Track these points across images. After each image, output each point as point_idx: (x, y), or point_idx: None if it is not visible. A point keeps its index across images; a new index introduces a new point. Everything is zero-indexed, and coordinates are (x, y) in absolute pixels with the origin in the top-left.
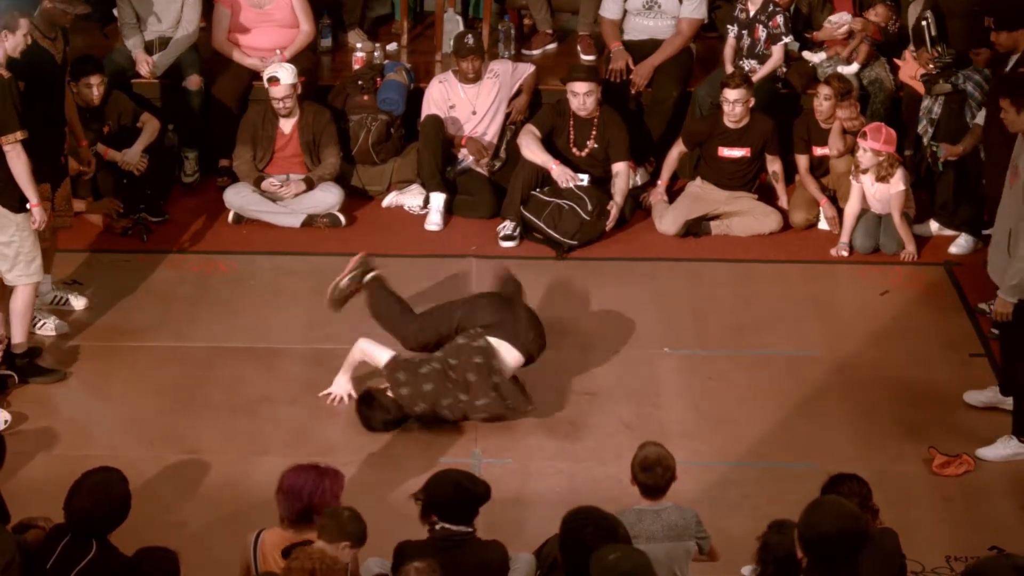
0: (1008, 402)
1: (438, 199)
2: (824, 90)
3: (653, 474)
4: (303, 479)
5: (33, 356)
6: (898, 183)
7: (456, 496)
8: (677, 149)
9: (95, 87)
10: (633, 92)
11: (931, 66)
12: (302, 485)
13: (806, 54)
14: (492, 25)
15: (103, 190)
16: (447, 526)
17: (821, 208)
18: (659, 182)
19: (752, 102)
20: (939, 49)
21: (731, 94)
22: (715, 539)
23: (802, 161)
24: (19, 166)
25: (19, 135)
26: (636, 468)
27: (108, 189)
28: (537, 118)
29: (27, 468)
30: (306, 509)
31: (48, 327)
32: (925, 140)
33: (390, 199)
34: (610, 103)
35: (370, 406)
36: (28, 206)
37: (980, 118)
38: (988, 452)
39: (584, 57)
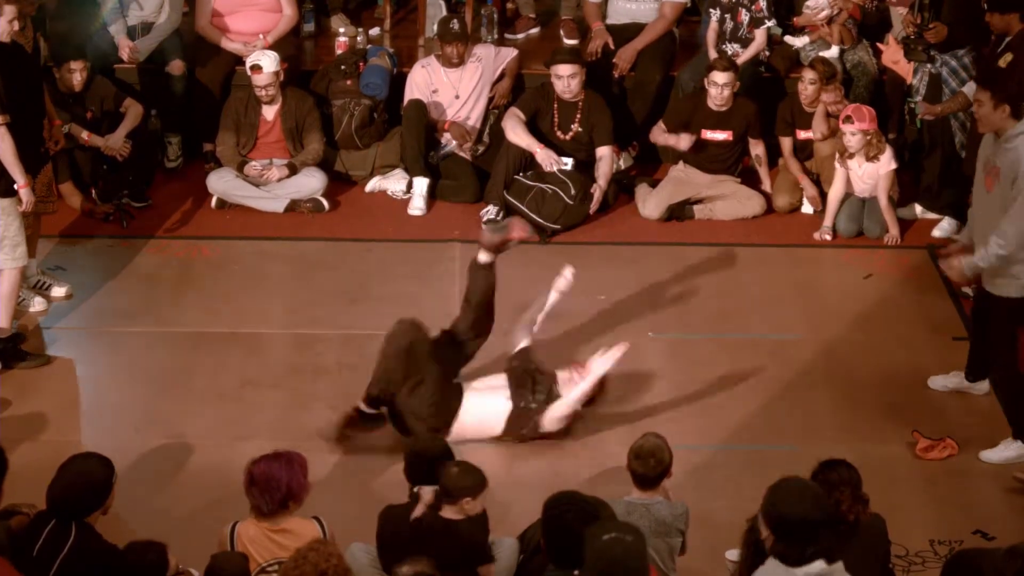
0: (975, 388)
1: (421, 184)
2: (809, 74)
3: (644, 463)
4: (275, 468)
5: (16, 341)
6: (889, 162)
7: (419, 458)
8: (659, 129)
9: (77, 72)
10: (616, 76)
11: (911, 29)
12: (278, 474)
13: (788, 38)
14: (475, 9)
15: (84, 175)
16: (425, 488)
17: (803, 187)
18: (668, 137)
19: (738, 86)
20: (924, 15)
21: (720, 77)
22: (699, 524)
23: (786, 143)
24: (5, 148)
25: (0, 119)
26: (631, 455)
27: (88, 174)
28: (521, 101)
29: (12, 454)
30: (284, 497)
31: (37, 304)
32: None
33: (373, 184)
34: (593, 87)
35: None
36: (16, 187)
37: (967, 88)
38: (991, 455)
39: (567, 41)
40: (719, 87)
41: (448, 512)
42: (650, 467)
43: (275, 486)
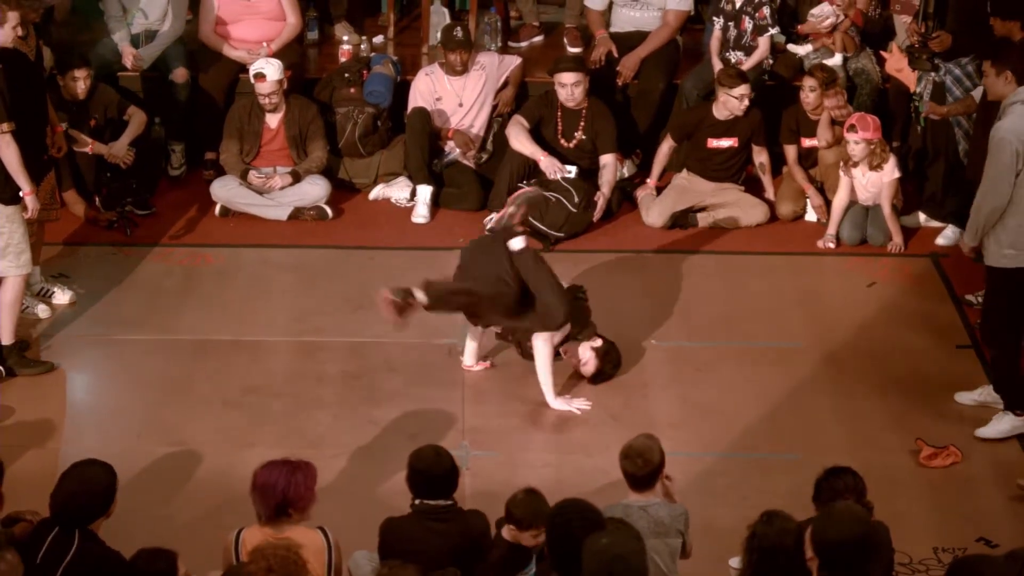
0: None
1: (425, 192)
2: (809, 81)
3: (632, 463)
4: (275, 475)
5: (21, 349)
6: (892, 171)
7: (421, 475)
8: (667, 144)
9: (81, 80)
10: (620, 84)
11: (915, 38)
12: (275, 481)
13: (792, 46)
14: (479, 17)
15: (88, 182)
16: (426, 501)
17: (808, 196)
18: (649, 181)
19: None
20: (929, 24)
21: (740, 89)
22: (702, 531)
23: (790, 151)
24: (10, 155)
25: (6, 127)
26: (620, 455)
27: (92, 181)
28: (525, 109)
29: (15, 462)
30: (281, 504)
31: (41, 311)
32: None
33: (377, 192)
34: (597, 95)
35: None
36: (21, 194)
37: (977, 93)
38: (987, 431)
39: (571, 49)
40: (739, 99)
41: (507, 534)
42: (638, 467)
43: (271, 492)
